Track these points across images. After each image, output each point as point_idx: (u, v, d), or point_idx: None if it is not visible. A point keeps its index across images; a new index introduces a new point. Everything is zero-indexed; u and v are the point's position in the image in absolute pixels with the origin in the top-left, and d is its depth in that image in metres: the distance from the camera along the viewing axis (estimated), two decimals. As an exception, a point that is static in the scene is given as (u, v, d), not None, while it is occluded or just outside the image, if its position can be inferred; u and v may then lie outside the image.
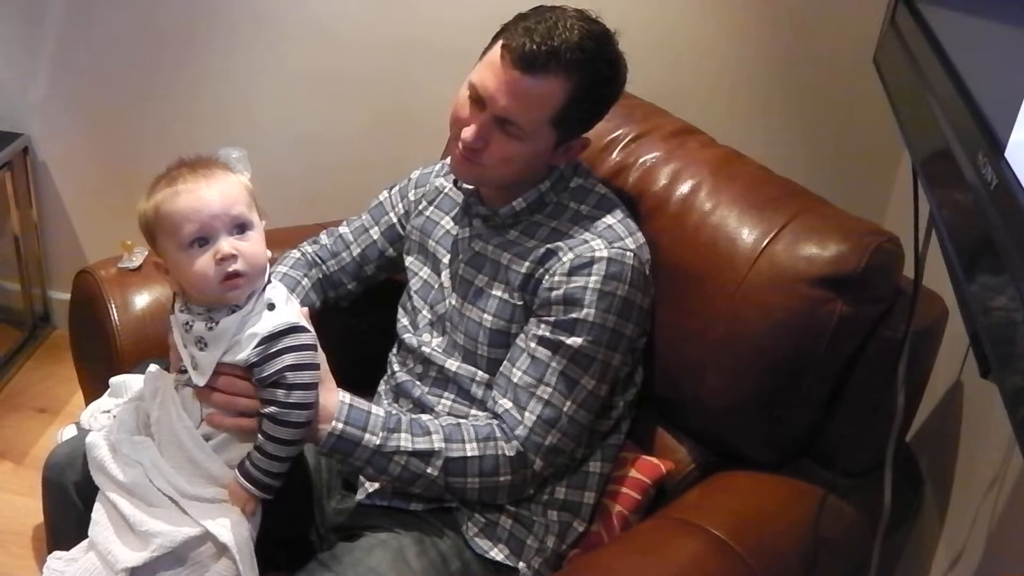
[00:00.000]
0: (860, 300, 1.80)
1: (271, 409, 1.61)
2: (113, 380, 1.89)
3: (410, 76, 2.83)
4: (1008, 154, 1.00)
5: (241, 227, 1.61)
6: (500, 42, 1.78)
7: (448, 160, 2.04)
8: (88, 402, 2.05)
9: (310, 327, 1.68)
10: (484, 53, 1.83)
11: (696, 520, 1.77)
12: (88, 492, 1.70)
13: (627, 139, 2.15)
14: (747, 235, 1.88)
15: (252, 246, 1.61)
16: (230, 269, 1.57)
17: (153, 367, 1.78)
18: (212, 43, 2.97)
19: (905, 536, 2.12)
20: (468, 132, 1.79)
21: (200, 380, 1.63)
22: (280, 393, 1.61)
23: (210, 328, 1.61)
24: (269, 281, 1.67)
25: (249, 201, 1.63)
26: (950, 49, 1.32)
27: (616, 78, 1.85)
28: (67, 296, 2.36)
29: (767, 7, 2.64)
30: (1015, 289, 0.91)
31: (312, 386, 1.64)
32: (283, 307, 1.64)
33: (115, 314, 2.12)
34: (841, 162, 2.64)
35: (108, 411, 1.81)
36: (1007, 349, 0.95)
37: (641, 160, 2.10)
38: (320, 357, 1.68)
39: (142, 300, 2.15)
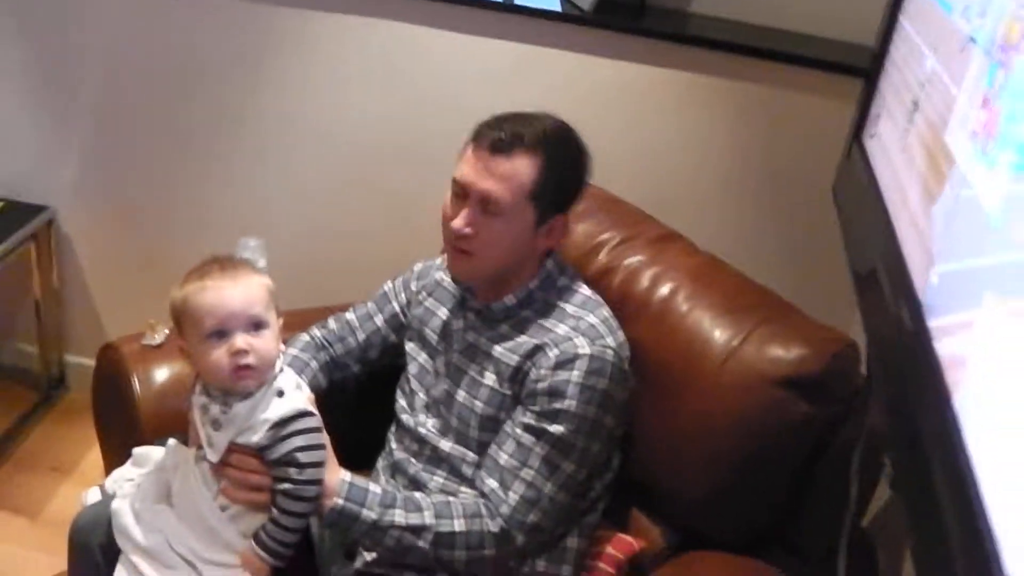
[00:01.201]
0: (821, 400, 1.93)
1: (285, 486, 1.75)
2: (136, 450, 2.00)
3: (412, 177, 3.00)
4: (921, 298, 1.16)
5: (257, 325, 1.76)
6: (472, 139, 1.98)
7: (443, 255, 2.19)
8: (108, 468, 2.14)
9: (316, 411, 1.82)
10: (461, 155, 2.01)
11: (666, 598, 1.89)
12: (111, 554, 1.83)
13: (614, 242, 2.29)
14: (719, 336, 2.02)
15: (265, 343, 1.76)
16: (242, 362, 1.73)
17: (172, 441, 1.91)
18: (238, 140, 3.14)
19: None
20: (457, 221, 1.95)
21: (214, 457, 1.77)
22: (293, 471, 1.75)
23: (224, 412, 1.76)
24: (281, 369, 1.81)
25: (268, 302, 1.79)
26: (885, 189, 1.48)
27: (581, 159, 2.04)
28: (82, 360, 2.47)
29: (749, 132, 2.85)
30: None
31: (321, 464, 1.78)
32: (291, 394, 1.79)
33: (138, 388, 2.21)
34: (817, 272, 2.78)
35: (131, 479, 1.92)
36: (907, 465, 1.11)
37: (626, 263, 2.23)
38: (325, 438, 1.83)
39: (163, 376, 2.24)
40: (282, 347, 1.83)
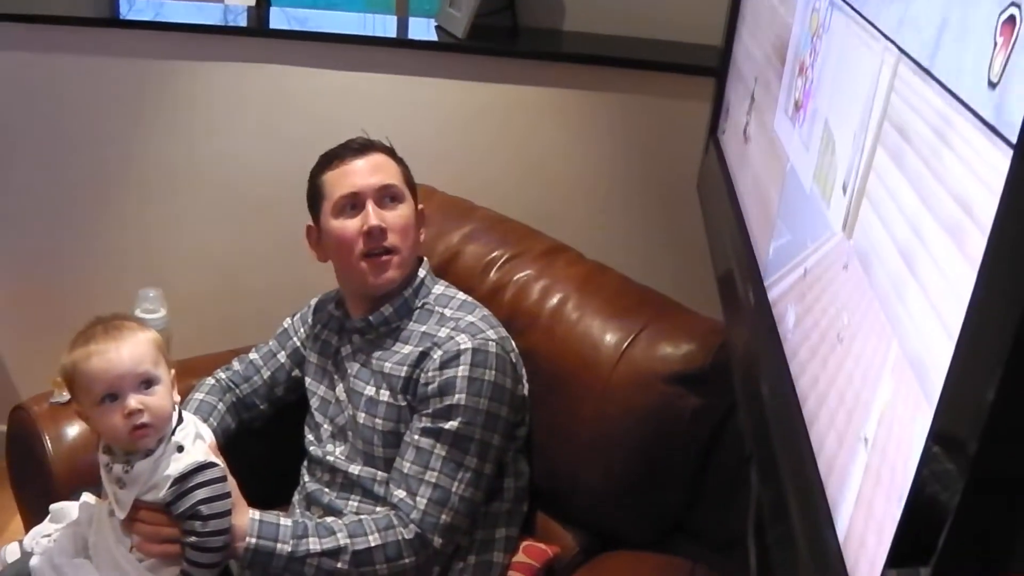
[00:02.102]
0: (711, 391, 2.00)
1: (192, 539, 1.78)
2: (53, 507, 1.99)
3: (306, 215, 3.06)
4: (762, 272, 1.25)
5: (148, 382, 1.75)
6: (326, 171, 2.12)
7: (338, 288, 2.25)
8: (27, 527, 2.13)
9: (218, 460, 1.84)
10: (315, 196, 2.13)
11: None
12: (32, 612, 1.85)
13: (503, 260, 2.35)
14: (608, 340, 2.09)
15: (158, 400, 1.76)
16: (137, 423, 1.73)
17: (86, 496, 1.94)
18: (124, 189, 3.17)
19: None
20: (372, 220, 2.04)
21: (121, 514, 1.79)
22: (198, 525, 1.77)
23: (126, 471, 1.77)
24: (181, 420, 1.82)
25: (156, 356, 1.79)
26: (735, 179, 1.56)
27: None
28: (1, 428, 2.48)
29: (622, 139, 2.96)
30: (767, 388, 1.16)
31: (225, 513, 1.80)
32: (191, 448, 1.80)
33: (49, 446, 2.21)
34: (696, 265, 2.79)
35: (49, 535, 1.93)
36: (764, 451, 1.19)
37: (515, 278, 2.30)
38: (231, 484, 1.85)
39: (73, 432, 2.24)
40: (176, 398, 1.83)
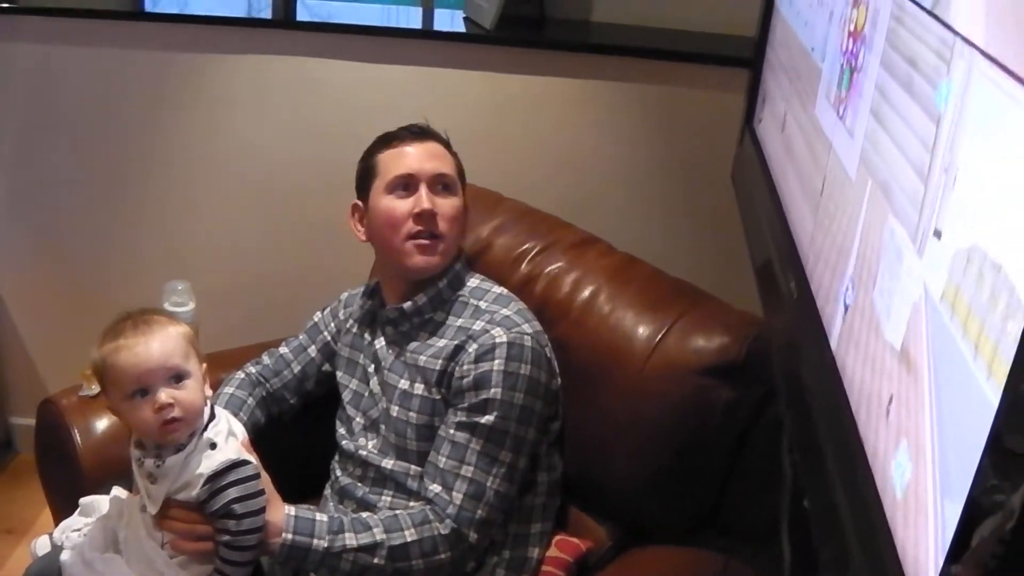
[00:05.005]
0: (745, 384, 1.98)
1: (226, 538, 1.77)
2: (83, 500, 1.99)
3: (336, 209, 3.01)
4: (804, 263, 1.23)
5: (178, 377, 1.74)
6: (383, 150, 2.12)
7: (369, 281, 2.25)
8: (57, 521, 2.12)
9: (251, 457, 1.83)
10: (368, 173, 2.13)
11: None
12: (62, 607, 1.84)
13: (534, 252, 2.33)
14: (641, 333, 2.07)
15: (189, 394, 1.75)
16: (167, 417, 1.72)
17: (116, 489, 1.93)
18: (150, 181, 3.18)
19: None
20: (424, 203, 2.04)
21: (152, 509, 1.78)
22: (231, 524, 1.76)
23: (158, 465, 1.76)
24: (213, 416, 1.81)
25: (186, 351, 1.78)
26: (773, 168, 1.54)
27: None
28: (26, 422, 2.48)
29: (653, 131, 2.94)
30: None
31: (259, 511, 1.79)
32: (224, 445, 1.79)
33: (78, 439, 2.21)
34: (728, 257, 2.77)
35: (79, 529, 1.92)
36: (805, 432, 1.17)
37: (547, 270, 2.28)
38: (264, 480, 1.84)
39: (103, 425, 2.24)
40: (208, 392, 1.83)
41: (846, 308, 1.16)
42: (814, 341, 1.17)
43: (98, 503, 1.98)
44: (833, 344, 1.16)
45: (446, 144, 2.16)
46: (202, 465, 1.76)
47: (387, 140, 2.14)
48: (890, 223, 1.06)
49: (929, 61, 0.98)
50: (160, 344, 1.75)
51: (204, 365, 1.83)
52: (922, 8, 1.01)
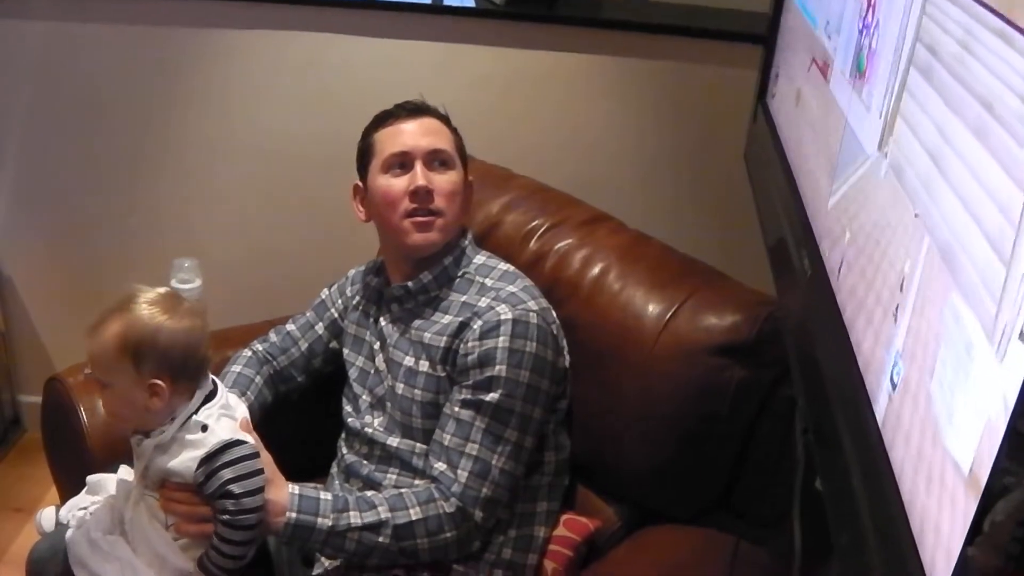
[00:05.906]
0: (755, 364, 1.96)
1: (224, 518, 1.76)
2: (90, 479, 1.99)
3: (342, 186, 3.00)
4: (821, 248, 1.21)
5: (103, 385, 1.80)
6: (379, 129, 2.10)
7: (376, 259, 2.23)
8: (63, 499, 2.11)
9: (247, 437, 1.82)
10: (366, 153, 2.12)
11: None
12: (69, 585, 1.84)
13: (543, 229, 2.31)
14: (651, 311, 2.05)
15: (109, 402, 1.83)
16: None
17: (123, 470, 1.93)
18: (158, 158, 3.15)
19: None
20: (420, 180, 2.02)
21: (146, 489, 1.80)
22: (229, 504, 1.75)
23: (138, 443, 1.79)
24: (205, 402, 1.79)
25: (108, 363, 1.76)
26: (786, 142, 1.52)
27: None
28: (36, 400, 2.46)
29: (664, 107, 2.92)
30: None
31: (257, 491, 1.77)
32: (215, 426, 1.78)
33: (84, 418, 2.20)
34: (741, 235, 2.78)
35: (85, 507, 1.92)
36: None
37: (556, 248, 2.26)
38: (264, 459, 1.83)
39: None
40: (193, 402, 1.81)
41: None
42: (828, 319, 1.15)
43: (105, 482, 1.98)
44: (847, 322, 1.13)
45: (444, 119, 2.14)
46: (198, 450, 1.76)
47: (383, 119, 2.13)
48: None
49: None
50: (89, 349, 1.79)
51: (163, 381, 1.74)
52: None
